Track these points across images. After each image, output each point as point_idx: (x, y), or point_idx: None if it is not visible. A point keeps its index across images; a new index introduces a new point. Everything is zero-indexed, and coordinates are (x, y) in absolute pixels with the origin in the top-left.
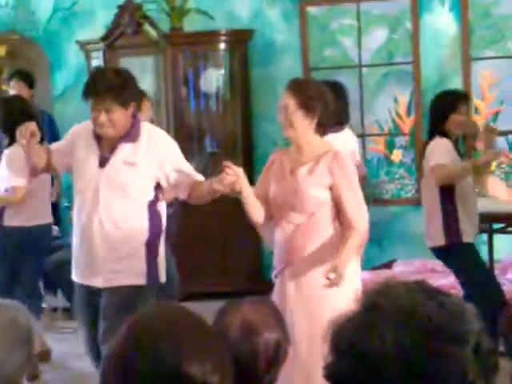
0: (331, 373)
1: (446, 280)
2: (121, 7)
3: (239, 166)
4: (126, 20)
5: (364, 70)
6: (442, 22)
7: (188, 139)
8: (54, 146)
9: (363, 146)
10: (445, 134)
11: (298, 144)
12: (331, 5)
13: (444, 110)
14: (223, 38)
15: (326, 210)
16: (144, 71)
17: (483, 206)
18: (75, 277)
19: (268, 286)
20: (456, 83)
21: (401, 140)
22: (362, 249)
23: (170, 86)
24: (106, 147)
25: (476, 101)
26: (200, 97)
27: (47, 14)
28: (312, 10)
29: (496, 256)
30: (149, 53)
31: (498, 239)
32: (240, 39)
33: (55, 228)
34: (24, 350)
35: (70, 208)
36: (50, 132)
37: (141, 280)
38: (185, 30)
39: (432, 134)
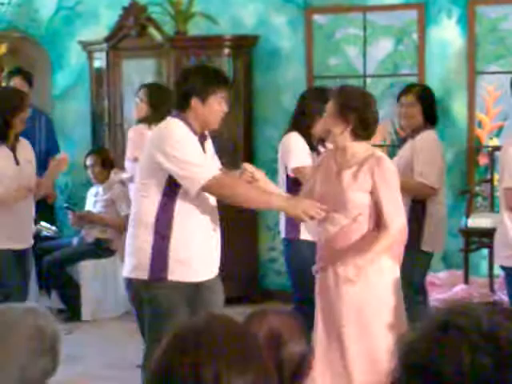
0: None
1: (445, 294)
2: (125, 9)
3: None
4: (131, 22)
5: (368, 80)
6: (448, 35)
7: None
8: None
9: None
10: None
11: (339, 147)
12: (337, 13)
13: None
14: (228, 43)
15: (369, 215)
16: (147, 74)
17: (484, 221)
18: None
19: (264, 294)
20: (461, 96)
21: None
22: (398, 249)
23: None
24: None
25: (480, 115)
26: None
27: (50, 12)
28: (318, 18)
29: (496, 271)
30: (152, 55)
31: None
32: (244, 45)
33: (53, 228)
34: (49, 357)
35: (68, 208)
36: (47, 133)
37: None
38: (189, 33)
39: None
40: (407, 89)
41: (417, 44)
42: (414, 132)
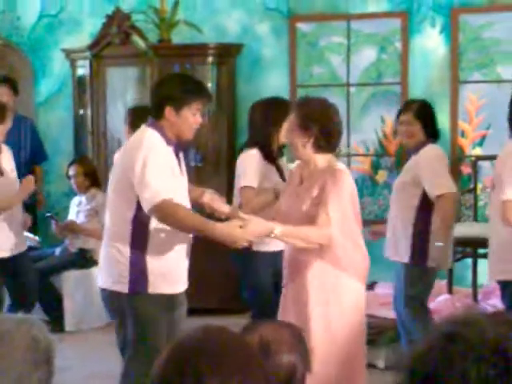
0: None
1: (429, 305)
2: (109, 17)
3: (223, 180)
4: (114, 30)
5: (352, 88)
6: (431, 44)
7: None
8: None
9: (348, 166)
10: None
11: (303, 160)
12: (321, 22)
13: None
14: (211, 51)
15: None
16: (130, 82)
17: (468, 230)
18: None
19: (245, 305)
20: (443, 105)
21: (386, 161)
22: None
23: None
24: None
25: (463, 124)
26: None
27: (33, 20)
28: (302, 26)
29: (480, 281)
30: (136, 63)
31: (482, 264)
32: (228, 53)
33: (36, 238)
34: (44, 369)
35: (51, 218)
36: (32, 139)
37: None
38: (173, 42)
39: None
40: (405, 106)
41: (400, 53)
42: (418, 148)
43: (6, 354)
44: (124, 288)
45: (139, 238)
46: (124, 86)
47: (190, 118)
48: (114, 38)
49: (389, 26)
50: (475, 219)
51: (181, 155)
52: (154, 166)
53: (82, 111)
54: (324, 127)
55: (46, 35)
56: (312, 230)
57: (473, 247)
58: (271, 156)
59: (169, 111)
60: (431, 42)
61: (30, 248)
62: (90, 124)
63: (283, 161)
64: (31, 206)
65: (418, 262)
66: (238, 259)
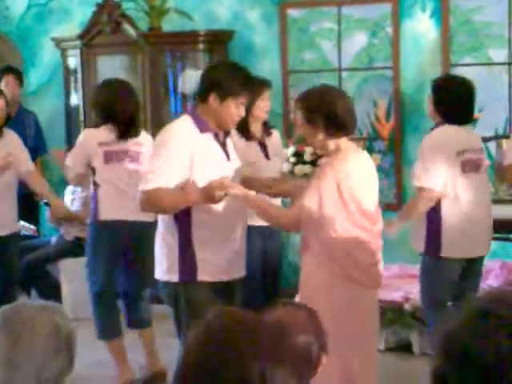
0: (440, 376)
1: None
2: (99, 5)
3: None
4: (105, 18)
5: (343, 73)
6: (422, 28)
7: None
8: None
9: None
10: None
11: (317, 149)
12: (312, 7)
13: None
14: (202, 38)
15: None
16: (121, 70)
17: None
18: None
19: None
20: None
21: (379, 144)
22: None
23: (148, 85)
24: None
25: None
26: (178, 97)
27: (22, 9)
28: (292, 12)
29: None
30: (127, 52)
31: None
32: (219, 40)
33: (32, 227)
34: (65, 356)
35: (47, 204)
36: (36, 131)
37: None
38: (163, 29)
39: None
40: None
41: (391, 37)
42: (432, 129)
43: (28, 340)
44: (174, 277)
45: (184, 226)
46: (115, 75)
47: (233, 110)
48: (104, 27)
49: (379, 10)
50: None
51: (228, 140)
52: (169, 155)
53: (72, 100)
54: (328, 114)
55: (36, 24)
56: (282, 213)
57: None
58: (247, 134)
59: (213, 98)
60: (422, 26)
61: (27, 237)
62: (83, 113)
63: (276, 137)
64: (29, 195)
65: (431, 253)
66: None
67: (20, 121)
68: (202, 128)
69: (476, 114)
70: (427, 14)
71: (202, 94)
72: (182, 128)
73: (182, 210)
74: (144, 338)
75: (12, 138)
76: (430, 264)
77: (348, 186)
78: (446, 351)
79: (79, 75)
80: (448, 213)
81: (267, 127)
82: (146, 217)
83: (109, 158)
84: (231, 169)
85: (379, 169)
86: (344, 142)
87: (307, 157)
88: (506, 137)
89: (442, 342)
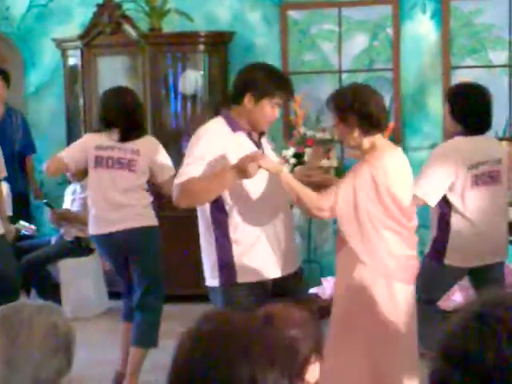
0: (440, 379)
1: None
2: (100, 6)
3: None
4: (105, 19)
5: (344, 75)
6: (423, 30)
7: (165, 140)
8: None
9: (341, 152)
10: None
11: (354, 148)
12: (312, 9)
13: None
14: (203, 39)
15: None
16: (122, 71)
17: None
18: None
19: None
20: (436, 91)
21: None
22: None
23: (148, 86)
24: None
25: None
26: (178, 98)
27: (22, 9)
28: (293, 13)
29: None
30: (127, 53)
31: None
32: (220, 41)
33: (31, 227)
34: (63, 357)
35: (48, 205)
36: (23, 132)
37: None
38: (164, 30)
39: None
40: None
41: (392, 39)
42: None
43: (25, 340)
44: (215, 282)
45: (221, 228)
46: (115, 76)
47: (268, 111)
48: (104, 28)
49: (380, 12)
50: None
51: (263, 140)
52: (201, 151)
53: (73, 101)
54: (361, 113)
55: (36, 25)
56: (313, 196)
57: None
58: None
59: (248, 98)
60: (422, 28)
61: (26, 237)
62: (83, 113)
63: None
64: (25, 195)
65: (434, 258)
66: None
67: (7, 122)
68: (234, 127)
69: None
70: (427, 15)
71: (237, 96)
72: (214, 128)
73: (220, 213)
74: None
75: None
76: (432, 265)
77: (385, 182)
78: (446, 355)
79: (79, 76)
80: (457, 226)
81: None
82: (133, 223)
83: (98, 162)
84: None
85: None
86: (379, 139)
87: (308, 158)
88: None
89: (441, 346)
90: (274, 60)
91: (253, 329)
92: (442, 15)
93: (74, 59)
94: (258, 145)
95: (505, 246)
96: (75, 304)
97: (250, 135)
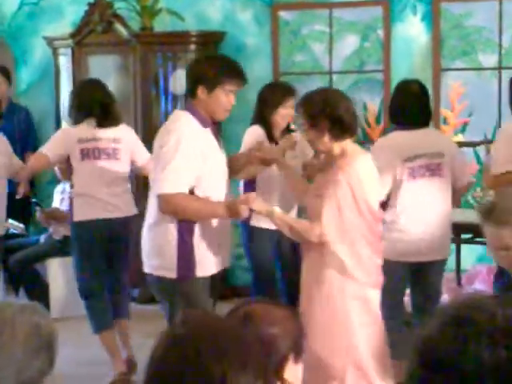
0: (417, 382)
1: None
2: (91, 4)
3: None
4: (96, 18)
5: (334, 76)
6: (413, 32)
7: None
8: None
9: None
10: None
11: (322, 152)
12: (303, 10)
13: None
14: (194, 39)
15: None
16: (112, 70)
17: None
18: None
19: (231, 291)
20: None
21: (369, 148)
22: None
23: (138, 85)
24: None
25: (445, 111)
26: (169, 97)
27: (13, 8)
28: (284, 14)
29: (463, 266)
30: (118, 51)
31: (466, 249)
32: (211, 41)
33: (21, 226)
34: (46, 357)
35: (37, 204)
36: (26, 127)
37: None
38: (155, 30)
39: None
40: None
41: (382, 41)
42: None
43: (7, 341)
44: (171, 273)
45: (183, 224)
46: (106, 74)
47: (223, 99)
48: (96, 26)
49: (371, 14)
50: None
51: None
52: (182, 154)
53: (63, 99)
54: (332, 117)
55: (27, 23)
56: (306, 225)
57: (456, 232)
58: (270, 135)
59: (201, 90)
60: (413, 29)
61: (15, 235)
62: None
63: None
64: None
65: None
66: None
67: (9, 117)
68: (205, 123)
69: (465, 119)
70: (418, 17)
71: (190, 90)
72: (188, 126)
73: None
74: (121, 329)
75: None
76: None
77: (360, 190)
78: (423, 359)
79: (70, 74)
80: (389, 219)
81: (286, 133)
82: (120, 213)
83: (85, 155)
84: (224, 161)
85: None
86: (349, 144)
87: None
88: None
89: (419, 350)
90: (264, 60)
91: (228, 331)
92: (433, 17)
93: (64, 57)
94: (217, 139)
95: (444, 245)
96: (63, 303)
97: (212, 129)
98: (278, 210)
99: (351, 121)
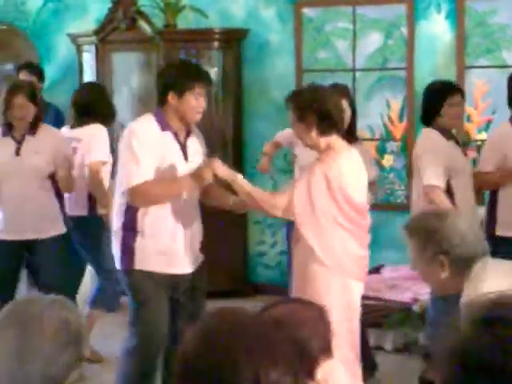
0: None
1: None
2: (115, 2)
3: (230, 164)
4: (120, 15)
5: (357, 73)
6: (437, 29)
7: None
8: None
9: None
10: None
11: (310, 148)
12: (327, 7)
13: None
14: (217, 36)
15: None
16: (136, 67)
17: None
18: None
19: (253, 288)
20: None
21: (392, 145)
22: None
23: None
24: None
25: (469, 109)
26: None
27: (38, 4)
28: (307, 11)
29: None
30: (141, 49)
31: None
32: (234, 38)
33: None
34: (73, 352)
35: None
36: (57, 125)
37: None
38: (178, 27)
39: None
40: (456, 88)
41: (406, 38)
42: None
43: (36, 335)
44: (118, 265)
45: (129, 219)
46: (129, 71)
47: (193, 102)
48: (119, 23)
49: (394, 11)
50: (482, 202)
51: (190, 141)
52: (142, 151)
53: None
54: (320, 112)
55: (52, 20)
56: (266, 195)
57: None
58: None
59: (172, 97)
60: (437, 27)
61: None
62: None
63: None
64: None
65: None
66: None
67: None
68: (163, 126)
69: (489, 117)
70: (442, 15)
71: (161, 98)
72: (145, 125)
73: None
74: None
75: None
76: None
77: (337, 179)
78: (464, 362)
79: (94, 71)
80: None
81: (350, 136)
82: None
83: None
84: (188, 170)
85: (392, 170)
86: (335, 139)
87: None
88: None
89: (457, 353)
90: (287, 57)
91: (258, 327)
92: (457, 15)
93: (88, 54)
94: (184, 146)
95: None
96: None
97: (176, 135)
98: (240, 176)
99: (339, 116)
